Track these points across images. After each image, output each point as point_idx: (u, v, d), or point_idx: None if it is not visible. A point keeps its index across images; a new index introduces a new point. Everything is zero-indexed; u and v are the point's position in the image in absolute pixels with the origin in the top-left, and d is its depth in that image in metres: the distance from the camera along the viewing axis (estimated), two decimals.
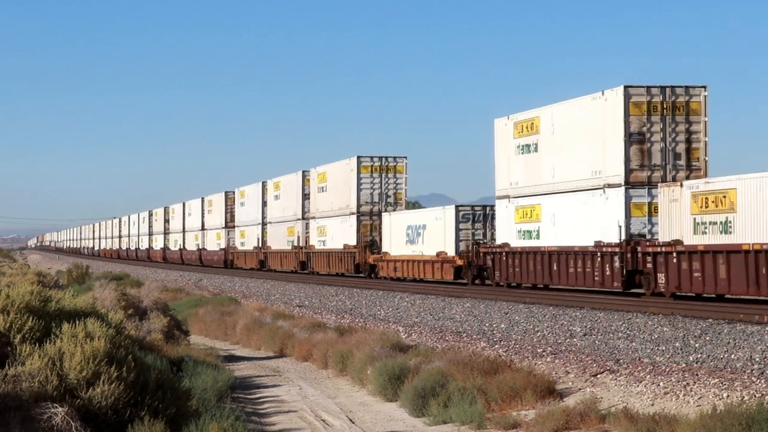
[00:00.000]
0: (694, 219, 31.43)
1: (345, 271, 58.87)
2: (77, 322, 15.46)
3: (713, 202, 30.69)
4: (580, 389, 20.41)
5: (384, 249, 55.25)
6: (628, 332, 25.87)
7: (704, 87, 36.21)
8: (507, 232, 42.58)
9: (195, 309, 43.77)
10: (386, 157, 58.23)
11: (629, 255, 34.13)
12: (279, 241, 71.78)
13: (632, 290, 34.60)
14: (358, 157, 58.03)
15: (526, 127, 41.70)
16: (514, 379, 20.14)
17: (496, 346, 26.77)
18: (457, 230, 47.04)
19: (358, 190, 57.93)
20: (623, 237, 34.82)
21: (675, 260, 31.72)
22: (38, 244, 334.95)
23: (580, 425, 17.68)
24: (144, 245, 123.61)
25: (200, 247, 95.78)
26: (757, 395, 17.26)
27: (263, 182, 76.82)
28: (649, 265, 32.97)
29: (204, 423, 15.10)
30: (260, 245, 75.92)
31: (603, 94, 36.63)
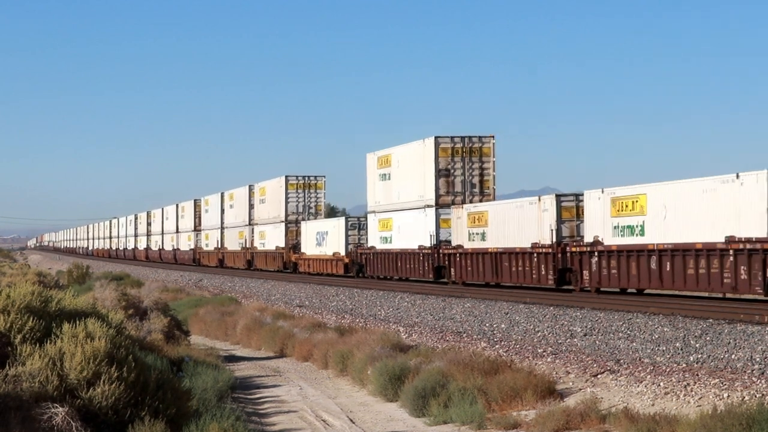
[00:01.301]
0: (469, 231, 46.25)
1: (276, 268, 72.73)
2: (78, 322, 15.46)
3: (478, 219, 45.74)
4: (580, 389, 20.41)
5: (302, 250, 68.96)
6: (628, 332, 25.87)
7: (492, 136, 50.77)
8: (374, 237, 57.40)
9: (195, 309, 43.77)
10: (308, 176, 72.86)
11: (436, 255, 49.23)
12: (233, 243, 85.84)
13: (439, 280, 49.61)
14: (286, 177, 72.19)
15: (384, 161, 56.90)
16: (514, 380, 20.14)
17: (497, 346, 26.77)
18: (347, 236, 61.21)
19: (286, 202, 72.08)
20: (433, 243, 49.77)
21: (459, 258, 46.95)
22: (37, 244, 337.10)
23: (580, 425, 17.68)
24: (131, 245, 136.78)
25: (175, 248, 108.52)
26: (757, 395, 17.27)
27: (221, 193, 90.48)
28: (446, 261, 48.33)
29: (204, 423, 15.10)
30: (220, 246, 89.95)
31: (424, 141, 51.39)
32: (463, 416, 19.11)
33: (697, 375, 19.51)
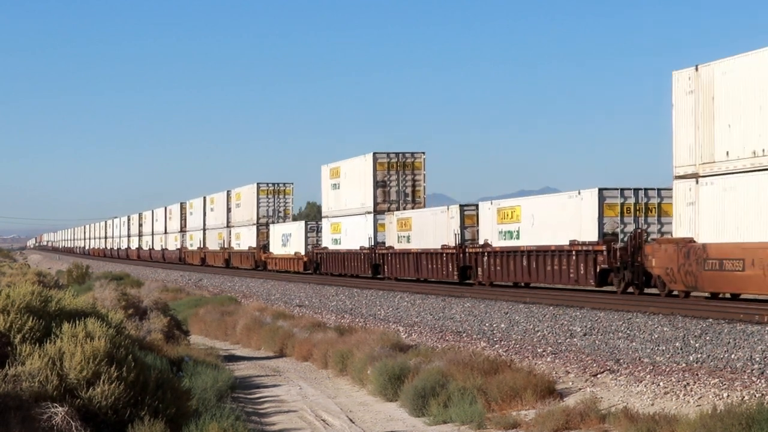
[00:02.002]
0: (398, 234, 54.16)
1: (250, 266, 79.41)
2: (77, 322, 15.45)
3: (405, 224, 53.60)
4: (580, 389, 20.41)
5: (271, 250, 76.03)
6: (628, 332, 25.87)
7: (423, 153, 59.16)
8: (327, 239, 65.32)
9: (195, 309, 43.78)
10: (278, 183, 79.95)
11: (373, 255, 56.81)
12: (213, 243, 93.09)
13: (377, 276, 56.54)
14: (258, 183, 79.41)
15: (335, 173, 64.57)
16: (514, 379, 20.14)
17: (496, 346, 26.77)
18: (306, 237, 68.86)
19: (258, 207, 79.29)
20: (372, 244, 57.00)
21: (391, 258, 54.68)
22: (36, 244, 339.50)
23: (580, 425, 17.68)
24: (124, 245, 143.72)
25: (163, 248, 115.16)
26: (757, 395, 17.27)
27: (204, 197, 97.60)
28: (381, 260, 56.13)
29: (204, 423, 15.10)
30: (202, 246, 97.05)
31: (365, 156, 59.33)
32: (462, 416, 19.11)
33: (697, 375, 19.51)
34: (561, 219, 39.50)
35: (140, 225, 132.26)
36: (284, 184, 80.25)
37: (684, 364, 21.11)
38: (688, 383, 18.85)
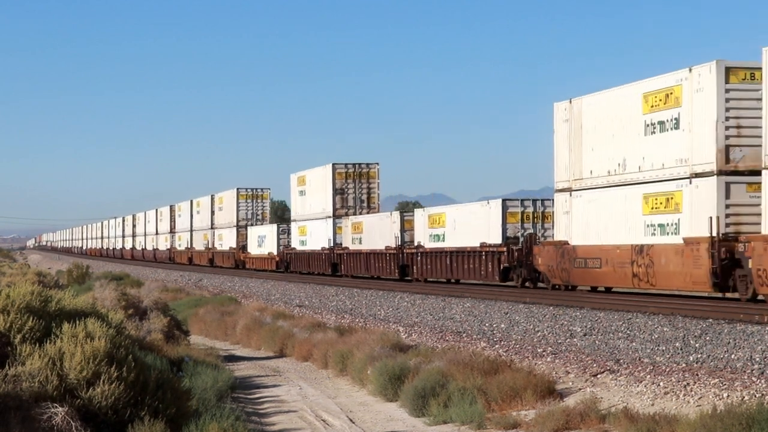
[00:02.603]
0: (352, 236, 61.15)
1: (230, 264, 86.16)
2: (77, 322, 15.45)
3: (357, 227, 60.32)
4: (580, 389, 20.41)
5: (248, 250, 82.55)
6: (628, 332, 25.87)
7: (377, 163, 66.50)
8: (295, 241, 72.63)
9: (195, 309, 43.78)
10: (256, 188, 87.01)
11: (332, 255, 63.98)
12: (199, 243, 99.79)
13: (336, 274, 63.49)
14: (237, 189, 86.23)
15: (301, 181, 71.75)
16: (514, 379, 20.14)
17: (496, 346, 26.77)
18: (278, 239, 75.44)
19: (237, 210, 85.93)
20: (331, 245, 64.70)
21: (346, 257, 61.63)
22: (36, 244, 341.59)
23: (580, 425, 17.68)
24: (119, 245, 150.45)
25: (155, 248, 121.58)
26: (757, 395, 17.26)
27: (191, 200, 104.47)
28: (339, 259, 63.15)
29: (204, 423, 15.10)
30: (189, 246, 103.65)
31: (325, 167, 66.34)
32: (462, 416, 19.11)
33: (697, 375, 19.51)
34: (475, 224, 46.72)
35: (134, 226, 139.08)
36: (262, 189, 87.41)
37: (684, 364, 21.11)
38: (688, 383, 18.85)
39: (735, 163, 30.34)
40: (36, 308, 15.98)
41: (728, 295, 31.38)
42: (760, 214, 28.22)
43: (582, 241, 36.77)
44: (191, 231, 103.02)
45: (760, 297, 28.84)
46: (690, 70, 31.45)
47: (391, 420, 20.51)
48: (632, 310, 30.00)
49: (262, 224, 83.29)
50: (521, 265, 42.28)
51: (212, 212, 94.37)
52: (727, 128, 30.28)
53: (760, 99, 28.11)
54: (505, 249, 43.42)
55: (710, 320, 26.12)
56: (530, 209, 44.70)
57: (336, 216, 64.76)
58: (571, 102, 37.81)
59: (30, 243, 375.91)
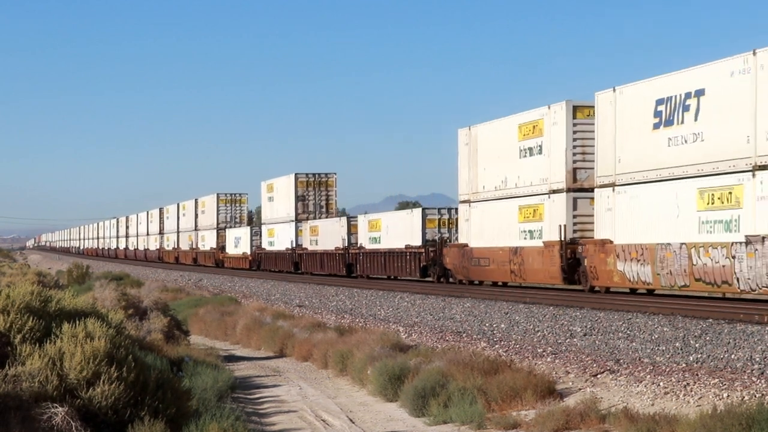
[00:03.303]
0: (310, 238, 69.50)
1: (212, 263, 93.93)
2: (77, 322, 15.45)
3: (314, 231, 69.14)
4: (580, 389, 20.41)
5: (226, 250, 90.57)
6: (628, 332, 25.87)
7: (335, 173, 75.42)
8: (265, 242, 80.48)
9: (195, 309, 43.77)
10: (235, 193, 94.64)
11: (294, 254, 72.04)
12: (185, 244, 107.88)
13: (297, 272, 72.18)
14: (217, 194, 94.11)
15: (270, 188, 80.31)
16: (514, 379, 20.13)
17: (496, 346, 26.77)
18: (251, 240, 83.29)
19: (218, 214, 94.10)
20: (293, 246, 72.56)
21: (306, 257, 70.27)
22: (35, 244, 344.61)
23: (580, 425, 17.68)
24: (113, 245, 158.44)
25: (145, 248, 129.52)
26: (757, 395, 17.26)
27: (178, 204, 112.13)
28: (300, 258, 71.17)
29: (204, 423, 15.10)
30: (176, 247, 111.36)
31: (289, 176, 74.94)
32: (462, 416, 19.11)
33: (697, 375, 19.50)
34: (402, 229, 55.48)
35: (127, 227, 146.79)
36: (240, 194, 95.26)
37: (684, 364, 21.11)
38: (688, 383, 18.85)
39: (581, 182, 37.72)
40: (36, 308, 15.98)
41: (575, 286, 38.65)
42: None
43: (477, 244, 44.67)
44: (178, 232, 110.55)
45: (596, 288, 36.38)
46: (549, 107, 38.85)
47: (391, 420, 20.51)
48: (632, 310, 30.01)
49: (239, 227, 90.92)
50: (435, 264, 50.08)
51: (196, 215, 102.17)
52: (574, 154, 37.88)
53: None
54: (423, 250, 52.20)
55: (710, 320, 26.12)
56: (446, 216, 53.46)
57: (298, 220, 73.09)
58: (470, 129, 45.37)
59: (29, 243, 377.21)
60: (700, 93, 30.72)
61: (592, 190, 36.26)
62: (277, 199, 78.08)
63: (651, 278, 32.64)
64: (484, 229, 44.12)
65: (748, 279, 28.36)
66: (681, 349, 22.66)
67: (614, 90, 34.64)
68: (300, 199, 73.64)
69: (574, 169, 37.85)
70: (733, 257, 28.81)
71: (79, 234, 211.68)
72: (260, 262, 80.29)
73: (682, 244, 31.04)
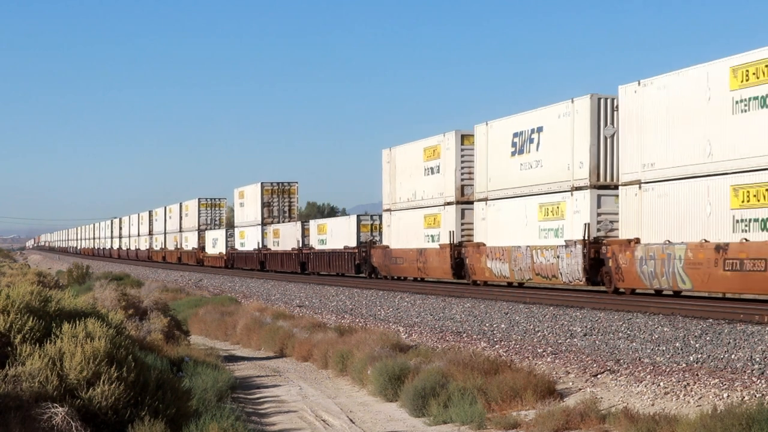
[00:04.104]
0: (273, 240, 78.45)
1: (194, 262, 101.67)
2: (77, 322, 15.45)
3: (276, 233, 77.64)
4: (580, 389, 20.41)
5: (206, 250, 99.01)
6: (628, 332, 25.87)
7: (297, 182, 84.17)
8: (237, 243, 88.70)
9: (195, 309, 43.75)
10: (213, 198, 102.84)
11: (261, 254, 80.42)
12: (171, 244, 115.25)
13: (264, 270, 78.84)
14: (198, 199, 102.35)
15: (241, 195, 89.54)
16: (514, 379, 20.13)
17: (497, 346, 26.76)
18: (226, 241, 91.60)
19: (199, 216, 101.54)
20: (260, 246, 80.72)
21: (270, 256, 77.81)
22: (35, 244, 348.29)
23: (580, 425, 17.68)
24: (108, 245, 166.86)
25: (137, 248, 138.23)
26: (757, 395, 17.27)
27: (165, 207, 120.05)
28: (265, 258, 79.59)
29: (204, 423, 15.10)
30: (163, 247, 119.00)
31: (256, 185, 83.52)
32: (462, 416, 19.11)
33: (697, 375, 19.50)
34: (342, 233, 64.17)
35: (120, 228, 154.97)
36: (219, 199, 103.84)
37: (684, 365, 21.11)
38: (688, 383, 18.85)
39: (467, 196, 45.80)
40: (36, 308, 15.97)
41: (461, 280, 46.37)
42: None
43: (395, 245, 53.29)
44: (165, 233, 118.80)
45: (477, 282, 44.17)
46: (444, 135, 47.55)
47: (391, 420, 20.51)
48: (632, 310, 30.02)
49: (217, 229, 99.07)
50: (365, 262, 58.33)
51: (180, 218, 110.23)
52: (462, 174, 46.34)
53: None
54: (356, 250, 60.52)
55: (710, 320, 26.12)
56: (377, 222, 61.14)
57: (264, 224, 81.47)
58: (390, 150, 54.32)
59: (29, 243, 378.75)
60: (540, 129, 39.12)
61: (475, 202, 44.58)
62: (247, 205, 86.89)
63: (508, 273, 41.32)
64: (399, 233, 52.85)
65: (567, 273, 37.06)
66: (681, 349, 22.66)
67: (486, 124, 43.39)
68: (266, 205, 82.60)
69: (462, 186, 46.55)
70: (558, 257, 37.42)
71: (77, 234, 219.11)
72: (233, 261, 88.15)
73: (527, 246, 39.52)
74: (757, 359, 20.46)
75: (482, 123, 43.77)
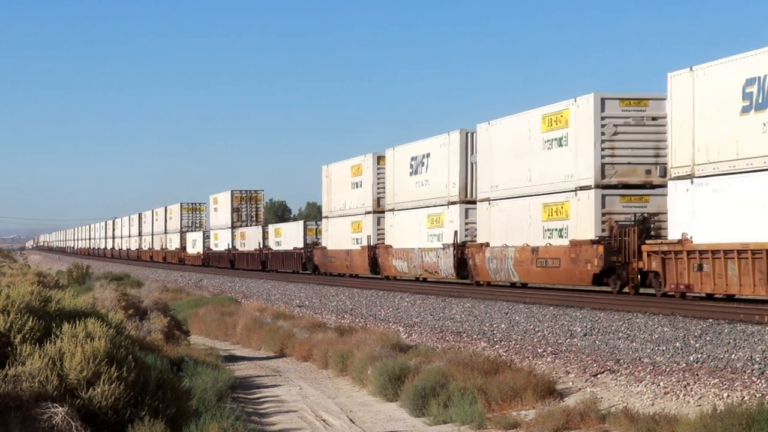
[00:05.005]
0: (240, 242, 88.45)
1: (176, 261, 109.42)
2: (77, 322, 15.44)
3: (242, 235, 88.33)
4: (580, 389, 20.41)
5: (186, 250, 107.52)
6: (628, 332, 25.86)
7: (262, 189, 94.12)
8: (212, 244, 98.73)
9: (195, 309, 43.75)
10: (194, 203, 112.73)
11: (232, 254, 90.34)
12: (157, 244, 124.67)
13: (234, 268, 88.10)
14: (181, 203, 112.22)
15: (215, 201, 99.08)
16: (514, 379, 20.14)
17: (497, 346, 26.76)
18: (204, 242, 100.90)
19: (181, 219, 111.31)
20: (230, 247, 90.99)
21: (238, 256, 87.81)
22: (34, 245, 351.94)
23: (580, 425, 17.68)
24: (102, 245, 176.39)
25: (128, 248, 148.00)
26: (757, 395, 17.26)
27: (152, 210, 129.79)
28: (235, 257, 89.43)
29: (204, 423, 15.10)
30: (151, 247, 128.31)
31: (227, 192, 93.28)
32: (463, 416, 19.11)
33: (697, 375, 19.50)
34: (293, 235, 74.22)
35: (113, 229, 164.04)
36: (199, 203, 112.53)
37: (684, 364, 21.10)
38: (688, 383, 18.85)
39: (382, 207, 55.28)
40: (36, 308, 15.96)
41: (378, 276, 55.43)
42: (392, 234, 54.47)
43: (331, 247, 62.54)
44: (152, 235, 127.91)
45: (388, 276, 53.72)
46: (365, 155, 57.42)
47: (391, 420, 20.51)
48: (632, 310, 30.02)
49: (196, 231, 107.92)
50: (309, 261, 68.02)
51: (166, 221, 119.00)
52: (378, 188, 55.90)
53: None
54: (303, 251, 70.26)
55: (710, 320, 26.11)
56: (321, 226, 67.16)
57: (233, 227, 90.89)
58: (327, 166, 63.47)
59: (29, 244, 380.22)
60: (428, 155, 48.83)
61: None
62: (220, 210, 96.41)
63: (407, 269, 51.13)
64: (333, 236, 62.02)
65: (444, 269, 46.64)
66: (681, 349, 22.66)
67: (393, 149, 52.99)
68: (235, 210, 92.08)
69: (378, 198, 55.47)
70: (438, 257, 47.09)
71: (74, 235, 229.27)
72: (209, 261, 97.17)
73: (419, 248, 49.26)
74: (757, 359, 20.45)
75: (390, 148, 53.47)
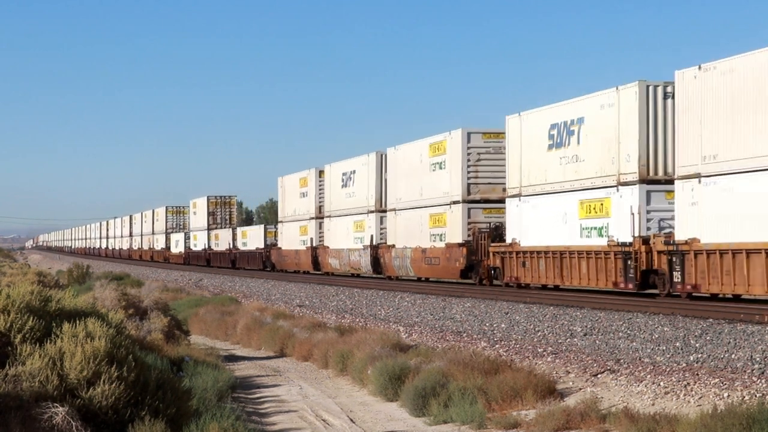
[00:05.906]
0: (215, 242, 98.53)
1: (162, 260, 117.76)
2: (78, 321, 15.43)
3: (217, 237, 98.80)
4: (580, 389, 20.41)
5: (171, 250, 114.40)
6: (628, 332, 25.87)
7: (235, 195, 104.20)
8: (192, 244, 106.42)
9: (195, 309, 43.75)
10: (178, 206, 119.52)
11: (208, 253, 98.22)
12: (145, 244, 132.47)
13: (210, 266, 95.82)
14: (166, 207, 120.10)
15: (194, 205, 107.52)
16: (514, 379, 20.13)
17: (497, 346, 26.76)
18: (185, 243, 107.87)
19: (166, 221, 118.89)
20: (206, 247, 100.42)
21: (214, 255, 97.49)
22: (34, 244, 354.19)
23: (580, 425, 17.68)
24: (98, 245, 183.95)
25: (120, 247, 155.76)
26: (757, 395, 17.26)
27: (141, 212, 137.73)
28: (211, 256, 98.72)
29: (204, 423, 15.09)
30: (140, 247, 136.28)
31: (203, 198, 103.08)
32: (463, 416, 19.10)
33: (697, 375, 19.50)
34: (256, 237, 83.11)
35: (107, 230, 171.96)
36: (182, 206, 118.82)
37: (684, 364, 21.10)
38: (688, 383, 18.84)
39: (322, 213, 63.97)
40: (36, 308, 15.96)
41: (318, 272, 65.26)
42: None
43: (285, 247, 71.76)
44: (141, 235, 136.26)
45: (328, 273, 62.07)
46: (309, 170, 67.12)
47: (391, 420, 20.51)
48: (633, 310, 30.03)
49: (179, 232, 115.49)
50: (268, 259, 76.24)
51: (153, 222, 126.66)
52: (319, 198, 65.44)
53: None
54: (264, 251, 78.62)
55: (710, 320, 26.12)
56: (278, 229, 75.27)
57: (210, 229, 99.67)
58: (282, 177, 72.72)
59: (29, 243, 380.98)
60: (354, 172, 59.23)
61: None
62: (198, 214, 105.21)
63: (339, 266, 59.94)
64: (288, 238, 71.18)
65: (364, 266, 55.72)
66: (681, 349, 22.66)
67: (330, 165, 62.57)
68: (211, 214, 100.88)
69: (320, 206, 64.57)
70: (360, 256, 56.26)
71: (71, 235, 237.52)
72: (189, 259, 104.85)
73: (347, 248, 58.25)
74: (758, 359, 20.45)
75: (328, 164, 63.48)
